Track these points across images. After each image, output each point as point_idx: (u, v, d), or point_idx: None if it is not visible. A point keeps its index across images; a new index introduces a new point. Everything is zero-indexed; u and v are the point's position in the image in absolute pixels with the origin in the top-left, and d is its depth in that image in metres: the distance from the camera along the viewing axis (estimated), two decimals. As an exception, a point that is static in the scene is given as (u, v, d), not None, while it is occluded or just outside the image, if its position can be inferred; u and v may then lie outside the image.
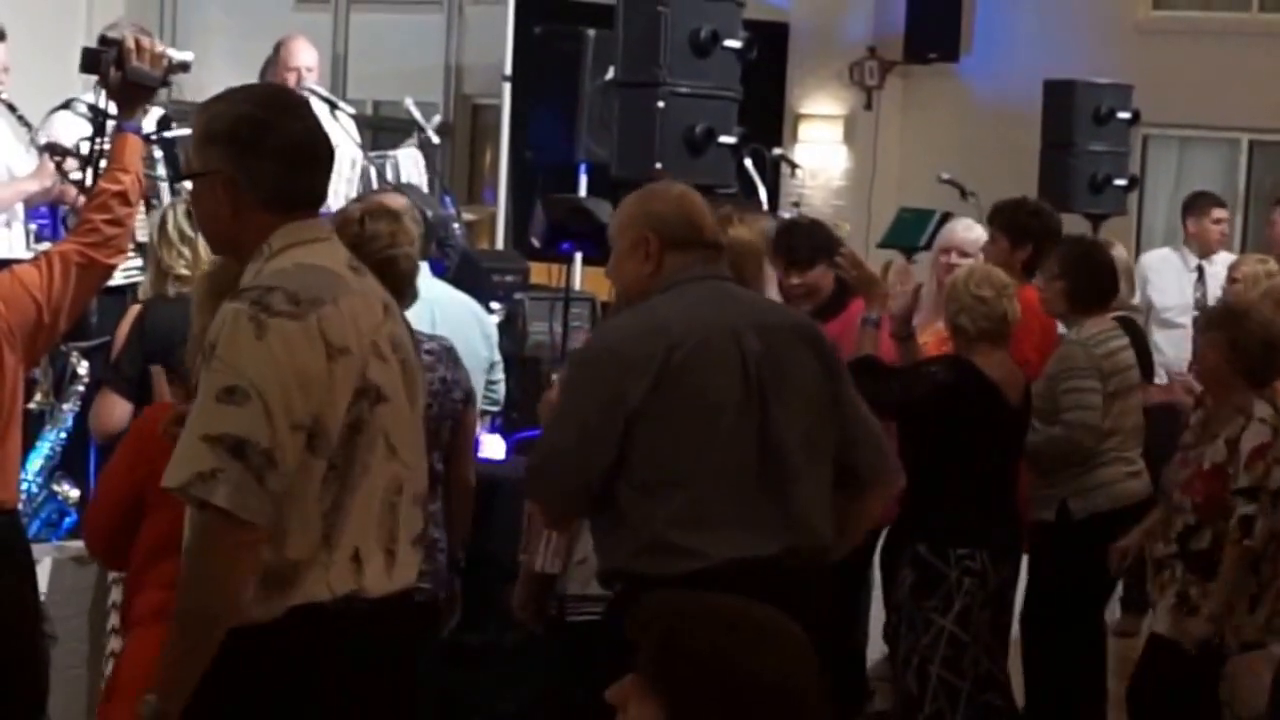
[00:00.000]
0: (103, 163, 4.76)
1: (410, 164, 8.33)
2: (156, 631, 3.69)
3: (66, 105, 7.37)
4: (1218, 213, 9.84)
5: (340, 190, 7.76)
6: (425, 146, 8.57)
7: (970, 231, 7.28)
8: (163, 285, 5.43)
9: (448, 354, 5.17)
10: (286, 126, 3.48)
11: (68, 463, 6.12)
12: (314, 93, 8.23)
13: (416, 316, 5.09)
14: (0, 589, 4.46)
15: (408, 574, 3.55)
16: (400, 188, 7.33)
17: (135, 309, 5.54)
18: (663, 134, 7.69)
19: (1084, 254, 6.64)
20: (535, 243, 8.33)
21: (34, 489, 5.94)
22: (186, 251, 5.38)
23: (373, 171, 8.09)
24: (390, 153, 8.42)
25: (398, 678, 3.59)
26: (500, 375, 6.41)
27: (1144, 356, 7.01)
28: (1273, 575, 5.60)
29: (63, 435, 6.13)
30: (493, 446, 6.46)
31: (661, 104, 7.69)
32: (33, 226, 7.28)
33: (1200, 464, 5.71)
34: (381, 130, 11.97)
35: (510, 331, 7.39)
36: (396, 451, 3.48)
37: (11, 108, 7.22)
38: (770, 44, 12.13)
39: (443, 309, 5.70)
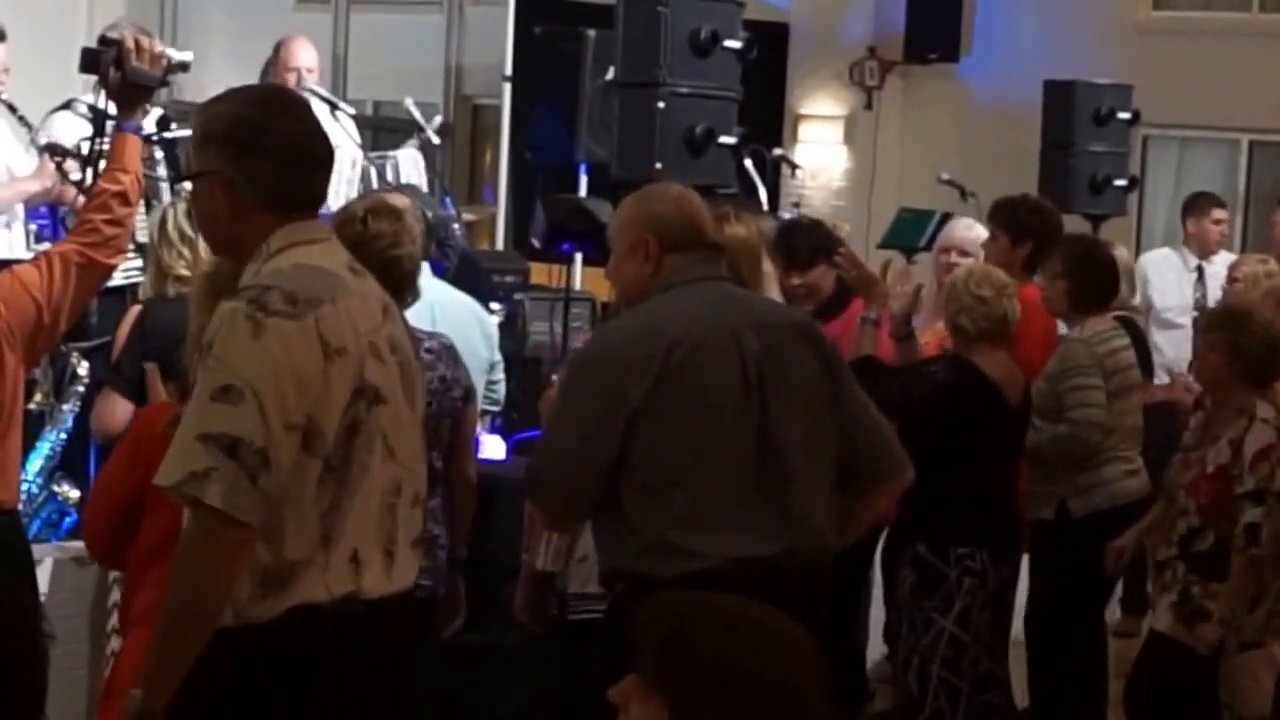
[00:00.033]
0: (102, 163, 4.76)
1: (410, 164, 8.32)
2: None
3: (67, 106, 7.37)
4: (1217, 213, 9.84)
5: (341, 191, 7.75)
6: (425, 147, 8.56)
7: (971, 231, 7.28)
8: (163, 285, 5.43)
9: (447, 352, 5.16)
10: (285, 127, 3.48)
11: (68, 463, 6.12)
12: (314, 93, 8.22)
13: (417, 316, 5.10)
14: (0, 589, 4.46)
15: (407, 575, 3.55)
16: (400, 188, 7.32)
17: (136, 309, 5.54)
18: (663, 134, 7.69)
19: (1086, 253, 6.64)
20: (535, 243, 8.33)
21: (34, 489, 5.94)
22: (186, 252, 5.37)
23: (373, 172, 8.08)
24: (390, 153, 8.41)
25: (396, 678, 3.59)
26: (501, 375, 6.41)
27: (1144, 356, 7.01)
28: (1273, 576, 5.60)
29: (63, 436, 6.13)
30: (493, 447, 6.46)
31: (661, 104, 7.69)
32: (33, 227, 7.28)
33: (1203, 466, 5.70)
34: (382, 131, 11.96)
35: (510, 332, 7.39)
36: (395, 453, 3.48)
37: (12, 108, 7.22)
38: (770, 44, 12.13)
39: (443, 309, 5.70)
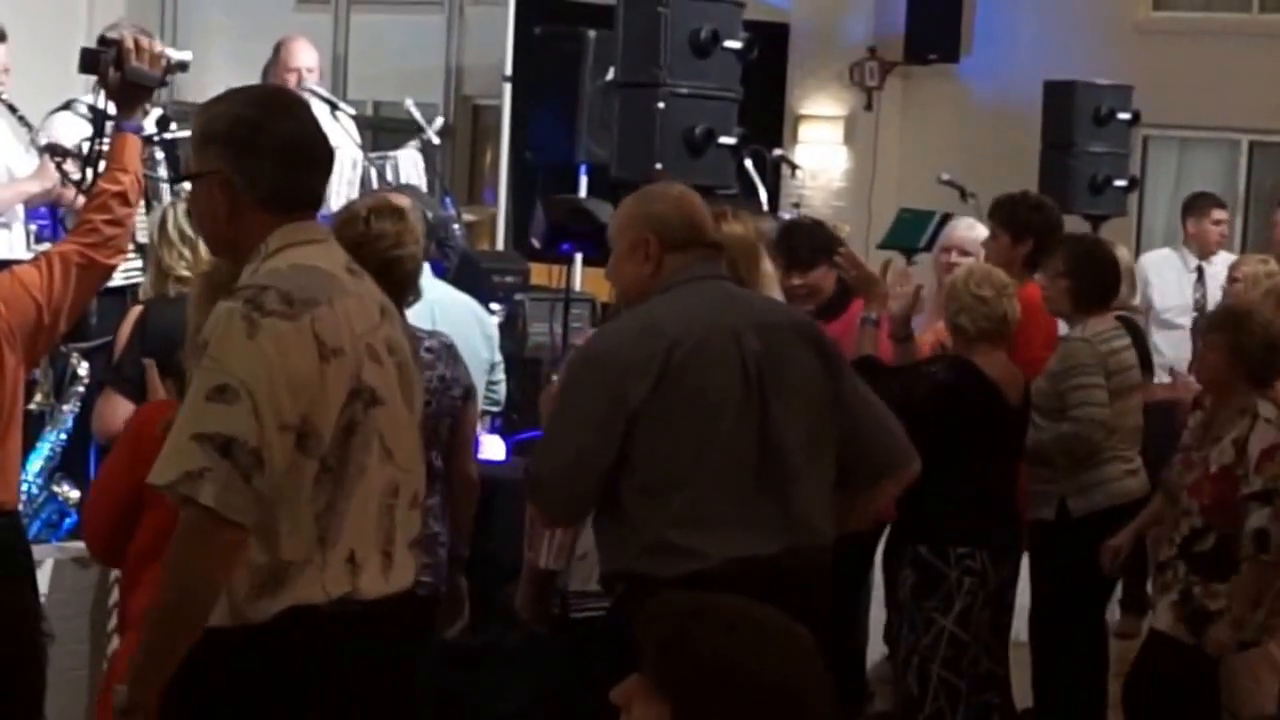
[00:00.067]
0: (102, 163, 4.76)
1: (410, 165, 8.32)
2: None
3: (67, 106, 7.37)
4: (1217, 214, 9.85)
5: (342, 192, 7.75)
6: (426, 147, 8.56)
7: (972, 230, 7.28)
8: (164, 286, 5.42)
9: (447, 351, 5.16)
10: (284, 127, 3.48)
11: (68, 464, 6.11)
12: (314, 93, 8.23)
13: (417, 316, 5.10)
14: (0, 590, 4.46)
15: (405, 576, 3.55)
16: (400, 189, 7.32)
17: (137, 310, 5.53)
18: (663, 135, 7.69)
19: (1088, 252, 6.64)
20: (535, 243, 8.33)
21: (34, 490, 5.94)
22: (187, 252, 5.36)
23: (372, 172, 8.08)
24: (389, 153, 8.41)
25: (395, 679, 3.59)
26: (501, 376, 6.40)
27: (1144, 356, 7.01)
28: (1274, 575, 5.59)
29: (63, 436, 6.13)
30: (493, 447, 6.45)
31: (661, 105, 7.69)
32: (33, 227, 7.28)
33: (1206, 466, 5.68)
34: (382, 131, 11.97)
35: (510, 332, 7.39)
36: (393, 454, 3.48)
37: (12, 109, 7.22)
38: (770, 44, 12.12)
39: (443, 309, 5.70)
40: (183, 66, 4.89)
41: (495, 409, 6.54)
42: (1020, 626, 6.42)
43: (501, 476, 5.89)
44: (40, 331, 4.52)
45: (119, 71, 4.68)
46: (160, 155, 6.83)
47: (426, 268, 5.20)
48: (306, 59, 8.39)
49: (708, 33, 7.74)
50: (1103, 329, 6.44)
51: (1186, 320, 9.34)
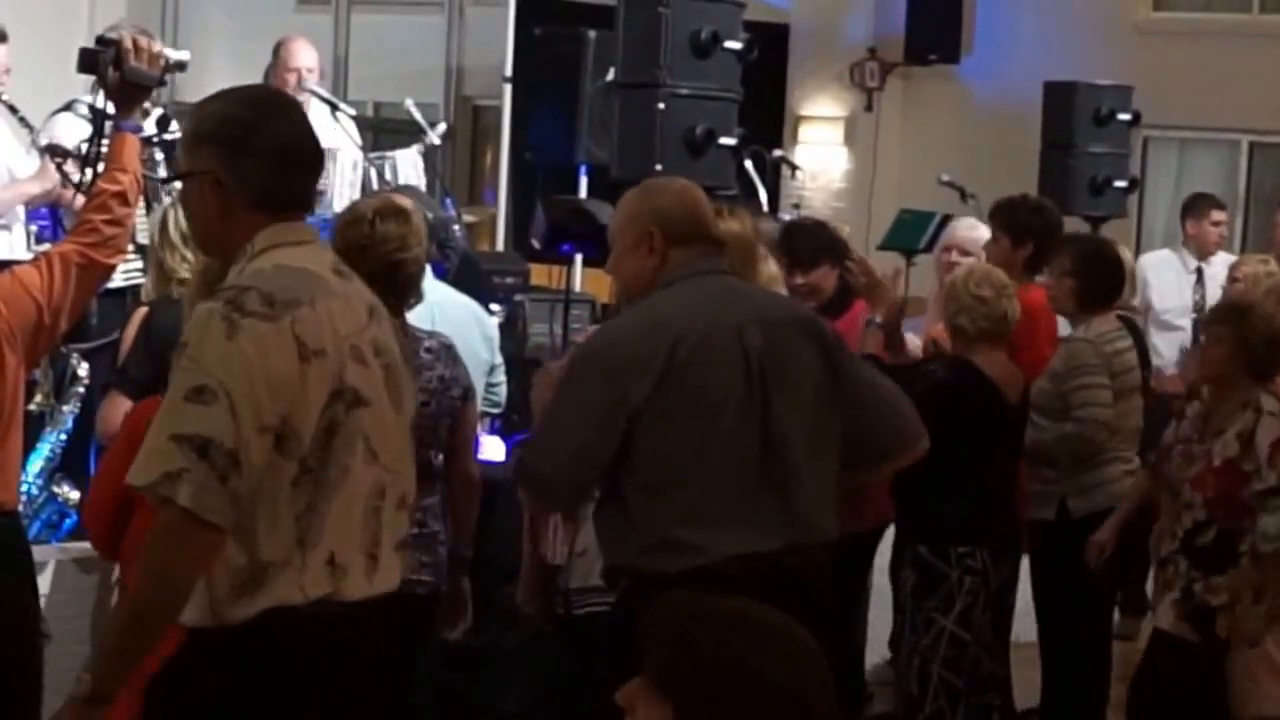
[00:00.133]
0: (101, 163, 4.76)
1: (409, 165, 8.32)
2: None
3: (68, 107, 7.37)
4: (1217, 215, 9.84)
5: (344, 193, 7.76)
6: (426, 148, 8.56)
7: (973, 230, 7.29)
8: (166, 288, 5.42)
9: (446, 351, 5.15)
10: (275, 127, 3.48)
11: (68, 464, 6.12)
12: (315, 94, 8.24)
13: (417, 317, 5.10)
14: (0, 590, 4.46)
15: (390, 578, 3.54)
16: (399, 189, 7.32)
17: (141, 311, 5.53)
18: (663, 135, 7.69)
19: (1095, 252, 6.65)
20: (535, 244, 8.33)
21: (34, 490, 5.94)
22: (189, 254, 5.36)
23: (372, 173, 8.09)
24: (388, 154, 8.41)
25: (382, 680, 3.58)
26: (501, 377, 6.40)
27: (1143, 357, 7.01)
28: (1276, 568, 5.58)
29: (63, 437, 6.14)
30: (492, 448, 6.45)
31: (662, 105, 7.69)
32: (33, 228, 7.28)
33: (1209, 459, 5.67)
34: (383, 132, 11.97)
35: (510, 333, 7.39)
36: (378, 455, 3.47)
37: (13, 109, 7.23)
38: (771, 45, 12.12)
39: (443, 310, 5.70)
40: (181, 66, 4.89)
41: (495, 410, 6.54)
42: (1020, 627, 6.42)
43: (501, 477, 5.88)
44: (40, 332, 4.52)
45: (118, 71, 4.68)
46: (160, 156, 6.83)
47: (427, 269, 5.20)
48: (307, 59, 8.39)
49: (708, 33, 7.74)
50: (1106, 329, 6.43)
51: (1185, 321, 9.35)
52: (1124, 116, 9.91)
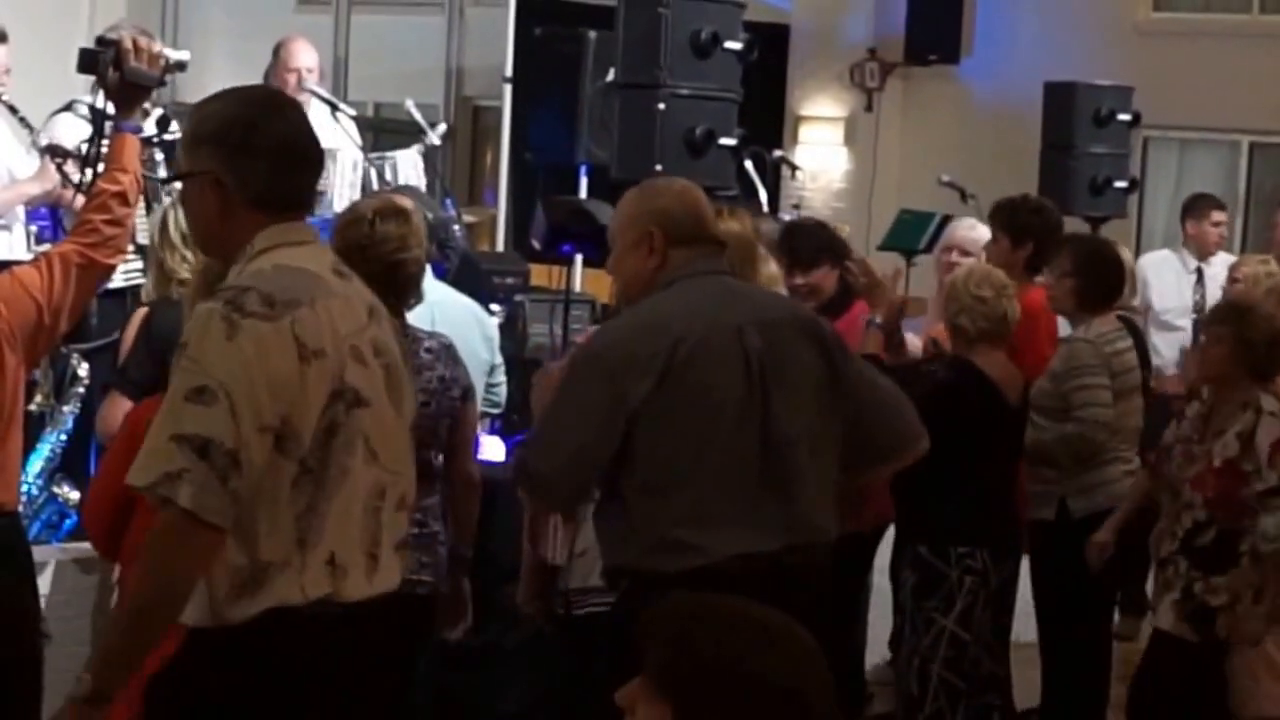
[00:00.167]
0: (101, 164, 4.76)
1: (409, 166, 8.32)
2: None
3: (68, 107, 7.38)
4: (1216, 215, 9.85)
5: (344, 194, 7.76)
6: (426, 149, 8.56)
7: (973, 231, 7.29)
8: (166, 288, 5.42)
9: (446, 351, 5.15)
10: (275, 128, 3.48)
11: (68, 465, 6.12)
12: (315, 94, 8.24)
13: (417, 318, 5.10)
14: (0, 591, 4.46)
15: (390, 578, 3.54)
16: (399, 189, 7.32)
17: (142, 311, 5.54)
18: (663, 136, 7.70)
19: (1095, 252, 6.65)
20: (536, 244, 8.32)
21: (34, 491, 5.94)
22: (189, 254, 5.37)
23: (372, 173, 8.09)
24: (388, 154, 8.41)
25: (382, 680, 3.58)
26: (501, 378, 6.41)
27: (1143, 357, 7.01)
28: (1276, 568, 5.59)
29: (63, 437, 6.14)
30: (492, 448, 6.45)
31: (662, 106, 7.69)
32: (33, 228, 7.28)
33: (1209, 460, 5.67)
34: (383, 132, 11.97)
35: (510, 333, 7.39)
36: (378, 456, 3.47)
37: (13, 110, 7.23)
38: (771, 46, 12.13)
39: (443, 310, 5.70)
40: (181, 66, 4.89)
41: (495, 410, 6.54)
42: (1020, 628, 6.43)
43: (501, 477, 5.88)
44: (40, 332, 4.52)
45: (118, 71, 4.69)
46: (160, 156, 6.83)
47: (427, 269, 5.20)
48: (307, 59, 8.39)
49: (708, 34, 7.75)
50: (1106, 330, 6.44)
51: (1185, 321, 9.35)
52: (1124, 117, 9.92)
